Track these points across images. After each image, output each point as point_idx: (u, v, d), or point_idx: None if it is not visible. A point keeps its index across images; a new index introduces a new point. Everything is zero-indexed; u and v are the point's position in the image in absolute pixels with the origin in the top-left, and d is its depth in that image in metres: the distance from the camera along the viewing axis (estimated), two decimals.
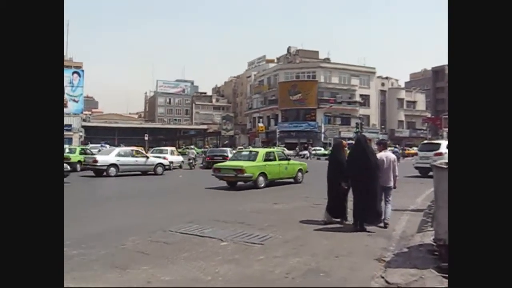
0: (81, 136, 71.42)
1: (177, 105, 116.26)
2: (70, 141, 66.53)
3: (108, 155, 23.23)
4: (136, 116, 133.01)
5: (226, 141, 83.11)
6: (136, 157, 24.19)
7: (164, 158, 28.43)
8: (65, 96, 71.77)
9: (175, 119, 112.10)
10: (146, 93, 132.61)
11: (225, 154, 31.52)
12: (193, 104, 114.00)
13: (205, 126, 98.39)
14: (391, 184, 8.58)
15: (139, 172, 23.89)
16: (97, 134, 78.62)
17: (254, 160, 17.06)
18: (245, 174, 16.11)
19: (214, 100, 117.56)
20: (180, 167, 30.37)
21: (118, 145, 54.74)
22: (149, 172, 24.11)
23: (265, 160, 17.11)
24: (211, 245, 7.03)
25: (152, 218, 9.96)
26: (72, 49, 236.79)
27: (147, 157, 24.92)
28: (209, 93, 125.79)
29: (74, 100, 73.13)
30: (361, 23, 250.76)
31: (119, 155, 23.34)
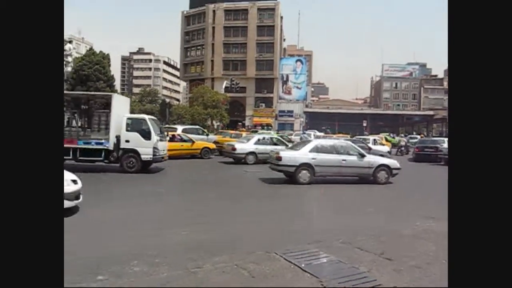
0: (302, 121, 73.78)
1: (404, 90, 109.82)
2: (291, 126, 69.55)
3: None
4: (361, 102, 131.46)
5: None
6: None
7: (369, 148, 26.03)
8: (289, 83, 75.22)
9: (398, 105, 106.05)
10: (372, 78, 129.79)
11: (438, 145, 26.94)
12: (421, 88, 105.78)
13: (431, 112, 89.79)
14: None
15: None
16: (319, 120, 79.76)
17: None
18: None
19: (445, 83, 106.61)
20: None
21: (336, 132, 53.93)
22: None
23: None
24: None
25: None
26: (303, 38, 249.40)
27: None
28: (441, 75, 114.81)
29: (297, 87, 75.94)
30: None
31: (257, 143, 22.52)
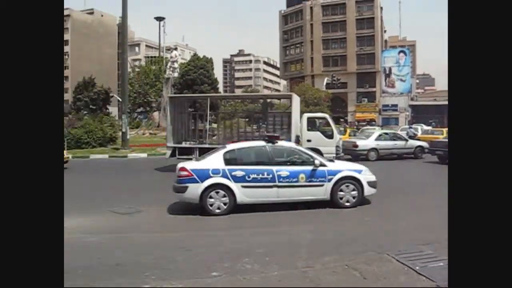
0: (407, 115, 70.50)
1: None
2: (396, 120, 66.77)
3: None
4: None
5: None
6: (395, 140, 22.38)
7: None
8: (392, 76, 72.31)
9: None
10: None
11: None
12: None
13: None
14: None
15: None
16: (425, 113, 75.49)
17: None
18: None
19: None
20: None
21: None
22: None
23: None
24: None
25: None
26: (405, 27, 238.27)
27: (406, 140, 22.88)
28: None
29: (401, 80, 72.80)
30: None
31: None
